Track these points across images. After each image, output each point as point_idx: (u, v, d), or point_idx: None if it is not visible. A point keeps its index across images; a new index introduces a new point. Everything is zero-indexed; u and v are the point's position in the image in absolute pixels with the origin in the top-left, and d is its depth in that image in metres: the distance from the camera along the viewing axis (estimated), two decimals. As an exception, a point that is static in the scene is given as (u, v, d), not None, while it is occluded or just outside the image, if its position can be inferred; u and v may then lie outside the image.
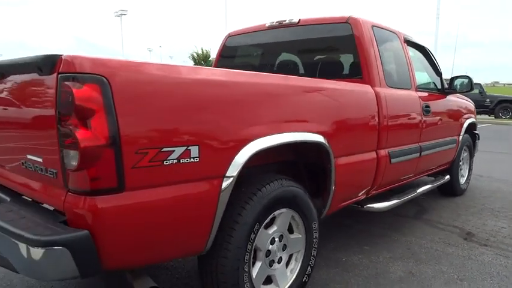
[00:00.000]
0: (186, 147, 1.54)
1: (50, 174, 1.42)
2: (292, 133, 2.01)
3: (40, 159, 1.46)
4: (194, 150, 1.57)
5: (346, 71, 3.01)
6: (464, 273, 2.75)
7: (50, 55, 1.35)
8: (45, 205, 1.60)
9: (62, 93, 1.31)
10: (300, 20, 3.27)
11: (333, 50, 3.36)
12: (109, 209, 1.37)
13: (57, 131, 1.34)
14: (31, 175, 1.55)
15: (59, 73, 1.32)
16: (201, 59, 39.85)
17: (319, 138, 2.19)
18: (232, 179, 1.71)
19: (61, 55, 1.34)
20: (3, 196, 1.74)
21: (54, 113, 1.35)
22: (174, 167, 1.52)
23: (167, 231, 1.58)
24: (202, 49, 40.73)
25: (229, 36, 3.82)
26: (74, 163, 1.31)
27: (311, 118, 2.20)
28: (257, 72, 2.06)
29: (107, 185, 1.36)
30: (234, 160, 1.71)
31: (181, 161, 1.53)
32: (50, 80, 1.36)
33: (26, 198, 1.70)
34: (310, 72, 3.31)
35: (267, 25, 3.49)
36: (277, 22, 3.41)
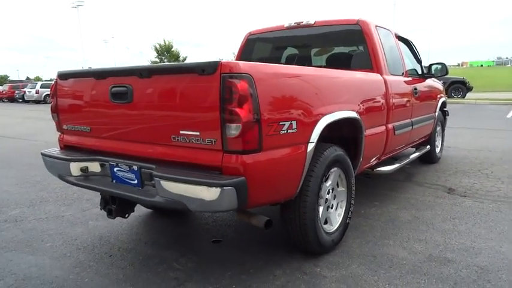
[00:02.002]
0: (290, 122, 2.24)
1: (208, 142, 2.07)
2: (344, 111, 2.75)
3: (197, 133, 2.10)
4: (294, 124, 2.27)
5: (358, 63, 3.75)
6: (454, 214, 3.63)
7: (212, 61, 1.99)
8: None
9: (226, 87, 1.96)
10: (315, 21, 3.99)
11: (345, 46, 4.13)
12: (253, 163, 2.05)
13: (219, 112, 1.99)
14: (183, 145, 2.18)
15: (221, 73, 1.97)
16: (164, 50, 39.69)
17: (355, 115, 2.94)
18: (314, 144, 2.42)
19: (220, 61, 1.98)
20: (146, 165, 2.35)
21: (216, 100, 1.99)
22: (285, 135, 2.21)
23: (281, 179, 2.28)
24: (164, 40, 40.48)
25: (250, 34, 4.48)
26: (236, 132, 1.97)
27: (350, 100, 2.94)
28: (328, 68, 2.78)
29: (253, 147, 2.04)
30: (314, 131, 2.42)
31: (288, 131, 2.23)
32: (211, 78, 2.00)
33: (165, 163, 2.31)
34: (326, 65, 4.05)
35: (285, 25, 4.19)
36: (295, 23, 4.11)
